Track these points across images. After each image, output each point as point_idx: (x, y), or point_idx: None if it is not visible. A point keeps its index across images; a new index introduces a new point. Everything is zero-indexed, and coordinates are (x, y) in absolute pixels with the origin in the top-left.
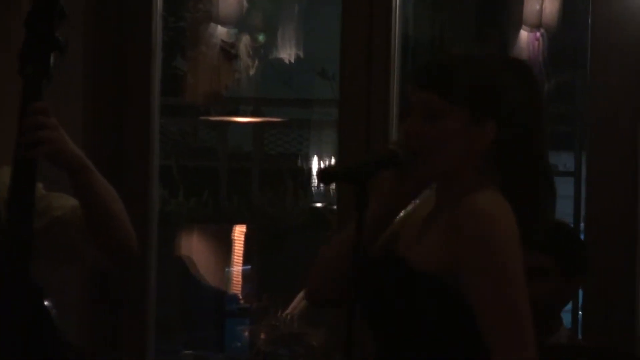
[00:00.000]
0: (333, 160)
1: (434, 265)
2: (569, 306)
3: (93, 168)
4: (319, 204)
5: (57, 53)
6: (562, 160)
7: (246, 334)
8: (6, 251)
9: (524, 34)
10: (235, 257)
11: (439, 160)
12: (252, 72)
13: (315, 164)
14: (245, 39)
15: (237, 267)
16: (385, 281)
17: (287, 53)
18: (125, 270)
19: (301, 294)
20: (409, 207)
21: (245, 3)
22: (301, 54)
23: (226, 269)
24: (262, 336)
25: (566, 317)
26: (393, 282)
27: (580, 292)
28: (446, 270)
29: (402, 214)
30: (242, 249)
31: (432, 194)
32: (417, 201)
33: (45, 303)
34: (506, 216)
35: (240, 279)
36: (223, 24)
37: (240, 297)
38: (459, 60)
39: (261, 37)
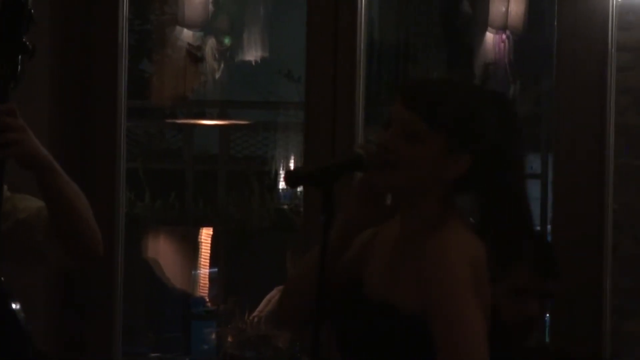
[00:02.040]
0: (299, 163)
1: (416, 306)
2: None
3: (59, 168)
4: (285, 206)
5: (25, 57)
6: (529, 162)
7: (213, 336)
8: None
9: (489, 36)
10: (202, 259)
11: (405, 177)
12: (218, 74)
13: (281, 167)
14: (211, 42)
15: (204, 269)
16: (370, 323)
17: (253, 56)
18: (91, 271)
19: (268, 297)
20: (369, 230)
21: (210, 6)
22: (267, 57)
23: (193, 272)
24: (229, 339)
25: None
26: (380, 325)
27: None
28: (424, 311)
29: (364, 235)
30: (208, 251)
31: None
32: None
33: (14, 306)
34: (471, 257)
35: (207, 281)
36: (189, 27)
37: (207, 299)
38: (447, 87)
39: (227, 40)
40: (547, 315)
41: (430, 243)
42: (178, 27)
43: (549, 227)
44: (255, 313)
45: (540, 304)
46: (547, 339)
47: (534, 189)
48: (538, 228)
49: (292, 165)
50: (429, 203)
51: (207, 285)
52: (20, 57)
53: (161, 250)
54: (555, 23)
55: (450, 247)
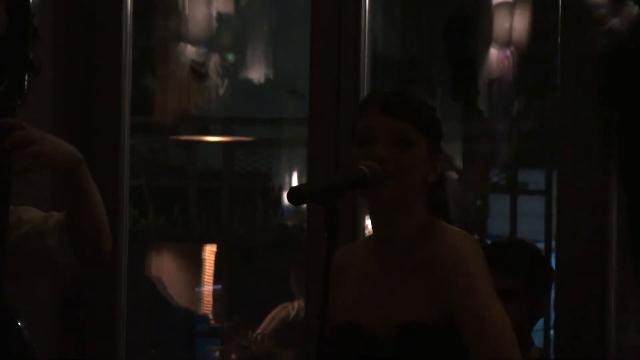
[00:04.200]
0: (303, 180)
1: (437, 314)
2: (541, 325)
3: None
4: (289, 223)
5: (31, 74)
6: (533, 178)
7: (217, 354)
8: None
9: (493, 51)
10: (206, 276)
11: (405, 185)
12: (221, 91)
13: (285, 183)
14: (215, 58)
15: (208, 286)
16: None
17: (257, 72)
18: (94, 287)
19: (272, 314)
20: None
21: (214, 22)
22: (271, 73)
23: (196, 289)
24: (233, 356)
25: (538, 336)
26: (407, 345)
27: (552, 311)
28: (442, 318)
29: None
30: (212, 268)
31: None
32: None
33: (19, 324)
34: (479, 251)
35: (210, 298)
36: (193, 43)
37: (211, 316)
38: (412, 94)
39: (231, 56)
40: (552, 331)
41: (434, 247)
42: (182, 43)
43: (553, 243)
44: (259, 330)
45: (519, 312)
46: (552, 355)
47: (538, 204)
48: (542, 244)
49: (295, 182)
50: (419, 208)
51: (211, 302)
52: (26, 74)
53: (165, 267)
54: (559, 38)
55: (460, 246)
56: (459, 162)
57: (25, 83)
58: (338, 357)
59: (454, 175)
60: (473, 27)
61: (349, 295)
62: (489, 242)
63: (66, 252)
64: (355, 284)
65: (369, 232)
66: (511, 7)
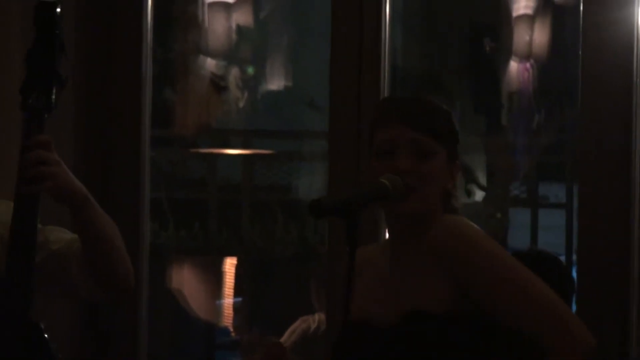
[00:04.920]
0: (323, 192)
1: (438, 304)
2: None
3: (95, 203)
4: (309, 236)
5: (59, 87)
6: (554, 191)
7: None
8: (7, 287)
9: (513, 64)
10: (226, 289)
11: (427, 197)
12: (241, 104)
13: (305, 196)
14: (235, 71)
15: (228, 299)
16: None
17: (277, 85)
18: (117, 303)
19: (292, 327)
20: None
21: (234, 35)
22: (291, 86)
23: (217, 302)
24: None
25: None
26: (411, 333)
27: None
28: (450, 304)
29: None
30: (232, 281)
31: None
32: None
33: (46, 336)
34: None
35: (231, 311)
36: (212, 56)
37: (231, 329)
38: (428, 102)
39: (250, 69)
40: None
41: (432, 232)
42: (201, 56)
43: (574, 256)
44: None
45: None
46: None
47: (558, 217)
48: (563, 257)
49: (315, 195)
50: (438, 216)
51: (231, 315)
52: (54, 88)
53: (185, 280)
54: (580, 51)
55: (456, 225)
56: (481, 176)
57: (53, 96)
58: (349, 354)
59: (478, 191)
60: (493, 40)
61: (360, 295)
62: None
63: (87, 279)
64: (366, 284)
65: None
66: (531, 19)
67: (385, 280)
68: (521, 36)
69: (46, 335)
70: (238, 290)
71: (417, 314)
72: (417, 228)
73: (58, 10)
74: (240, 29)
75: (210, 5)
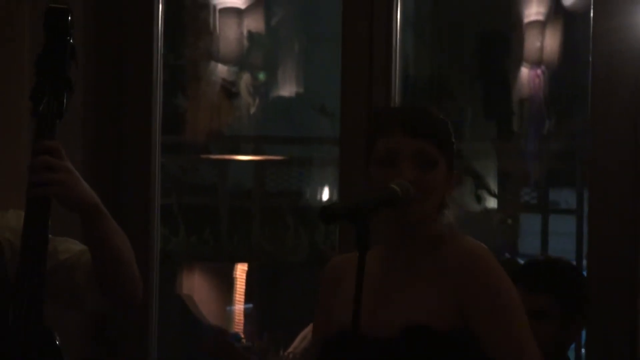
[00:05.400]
0: (334, 198)
1: (454, 319)
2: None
3: (106, 213)
4: (319, 242)
5: (69, 92)
6: (564, 197)
7: None
8: (20, 292)
9: (524, 70)
10: (237, 295)
11: (430, 204)
12: (252, 110)
13: (316, 202)
14: (246, 77)
15: (239, 305)
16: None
17: (288, 91)
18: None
19: (303, 333)
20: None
21: (245, 41)
22: (302, 92)
23: (228, 308)
24: None
25: (569, 355)
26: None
27: (583, 330)
28: (452, 323)
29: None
30: (243, 287)
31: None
32: None
33: (58, 343)
34: (494, 257)
35: (242, 317)
36: (223, 62)
37: (242, 335)
38: (428, 111)
39: (261, 75)
40: (583, 350)
41: (450, 253)
42: (213, 62)
43: (584, 261)
44: (290, 349)
45: (553, 331)
46: None
47: (569, 223)
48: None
49: (326, 201)
50: (436, 222)
51: (242, 321)
52: (65, 93)
53: (196, 286)
54: (590, 58)
55: (478, 252)
56: (492, 182)
57: (64, 102)
58: None
59: (489, 197)
60: (504, 46)
61: (346, 303)
62: (521, 261)
63: (94, 292)
64: (350, 293)
65: None
66: (542, 26)
67: (374, 290)
68: (532, 42)
69: (57, 342)
70: (249, 296)
71: (421, 329)
72: (414, 232)
73: (69, 16)
74: (251, 35)
75: (222, 11)
